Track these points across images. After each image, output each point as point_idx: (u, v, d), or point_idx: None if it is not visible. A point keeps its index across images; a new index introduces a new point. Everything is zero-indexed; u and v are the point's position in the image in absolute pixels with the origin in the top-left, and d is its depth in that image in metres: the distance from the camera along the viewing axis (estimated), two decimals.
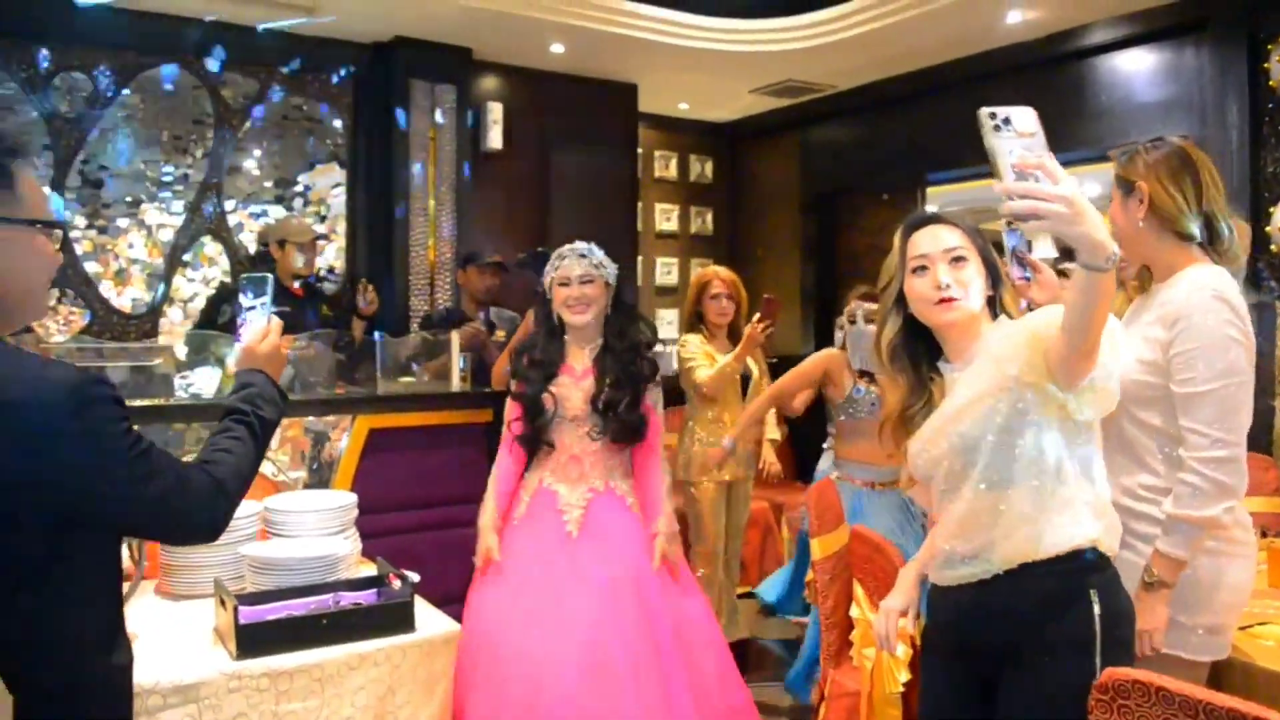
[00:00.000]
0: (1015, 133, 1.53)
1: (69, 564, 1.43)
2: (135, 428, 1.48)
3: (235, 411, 1.76)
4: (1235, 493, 2.09)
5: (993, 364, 1.85)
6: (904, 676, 2.57)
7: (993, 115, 1.54)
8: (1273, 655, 2.23)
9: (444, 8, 5.22)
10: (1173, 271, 2.22)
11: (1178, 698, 1.46)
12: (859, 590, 2.88)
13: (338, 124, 5.89)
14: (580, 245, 3.23)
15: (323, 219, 5.86)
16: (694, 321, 4.59)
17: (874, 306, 3.32)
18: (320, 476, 4.02)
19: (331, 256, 5.90)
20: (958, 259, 1.94)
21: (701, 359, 4.41)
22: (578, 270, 3.18)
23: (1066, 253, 3.98)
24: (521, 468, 3.30)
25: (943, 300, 1.91)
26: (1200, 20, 4.99)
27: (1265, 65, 4.64)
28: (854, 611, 2.91)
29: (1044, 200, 1.48)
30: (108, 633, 1.53)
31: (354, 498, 3.01)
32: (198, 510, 1.56)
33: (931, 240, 1.96)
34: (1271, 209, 4.57)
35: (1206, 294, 2.13)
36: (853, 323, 4.06)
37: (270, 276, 2.02)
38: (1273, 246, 4.54)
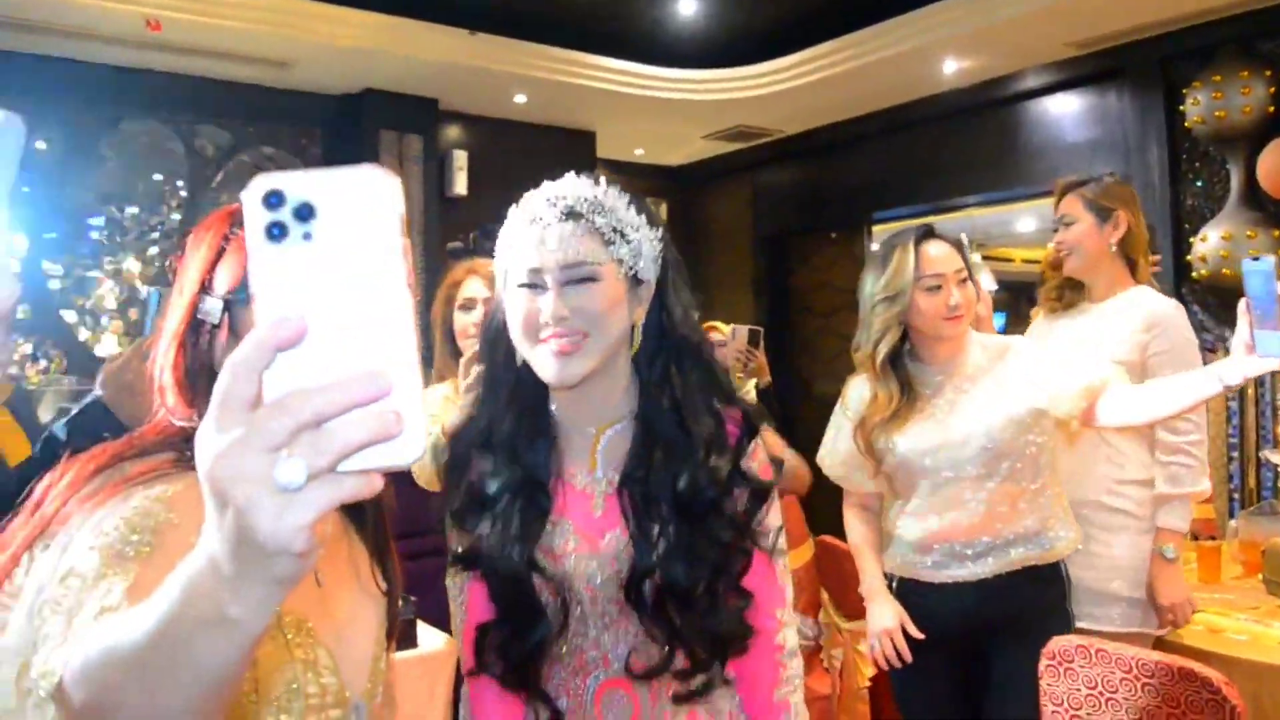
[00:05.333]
0: None
1: None
2: None
3: None
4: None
5: (1029, 386, 2.13)
6: (870, 672, 2.79)
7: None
8: (1200, 637, 2.49)
9: (412, 62, 5.44)
10: (1114, 289, 2.58)
11: (1114, 656, 1.70)
12: (825, 597, 3.10)
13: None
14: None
15: None
16: None
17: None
18: None
19: None
20: (963, 280, 2.20)
21: None
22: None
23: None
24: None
25: (952, 317, 2.17)
26: (1120, 67, 5.36)
27: (1181, 108, 5.00)
28: (822, 618, 3.13)
29: None
30: None
31: None
32: None
33: (946, 261, 2.20)
34: (1192, 239, 4.90)
35: (1170, 306, 2.53)
36: None
37: None
38: (1193, 274, 4.86)
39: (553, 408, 1.44)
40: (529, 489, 1.39)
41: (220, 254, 1.16)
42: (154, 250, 5.63)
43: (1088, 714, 1.70)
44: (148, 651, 0.67)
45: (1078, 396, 2.07)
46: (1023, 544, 2.14)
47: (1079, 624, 2.23)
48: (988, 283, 4.71)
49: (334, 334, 0.58)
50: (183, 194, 5.69)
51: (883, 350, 2.22)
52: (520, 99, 6.20)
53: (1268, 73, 4.73)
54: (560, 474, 1.42)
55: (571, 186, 1.39)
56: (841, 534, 4.27)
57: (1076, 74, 5.60)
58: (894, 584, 2.30)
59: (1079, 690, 1.74)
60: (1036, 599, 2.14)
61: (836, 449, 2.39)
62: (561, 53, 5.79)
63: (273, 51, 5.23)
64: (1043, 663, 1.81)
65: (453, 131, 6.43)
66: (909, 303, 2.19)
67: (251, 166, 5.88)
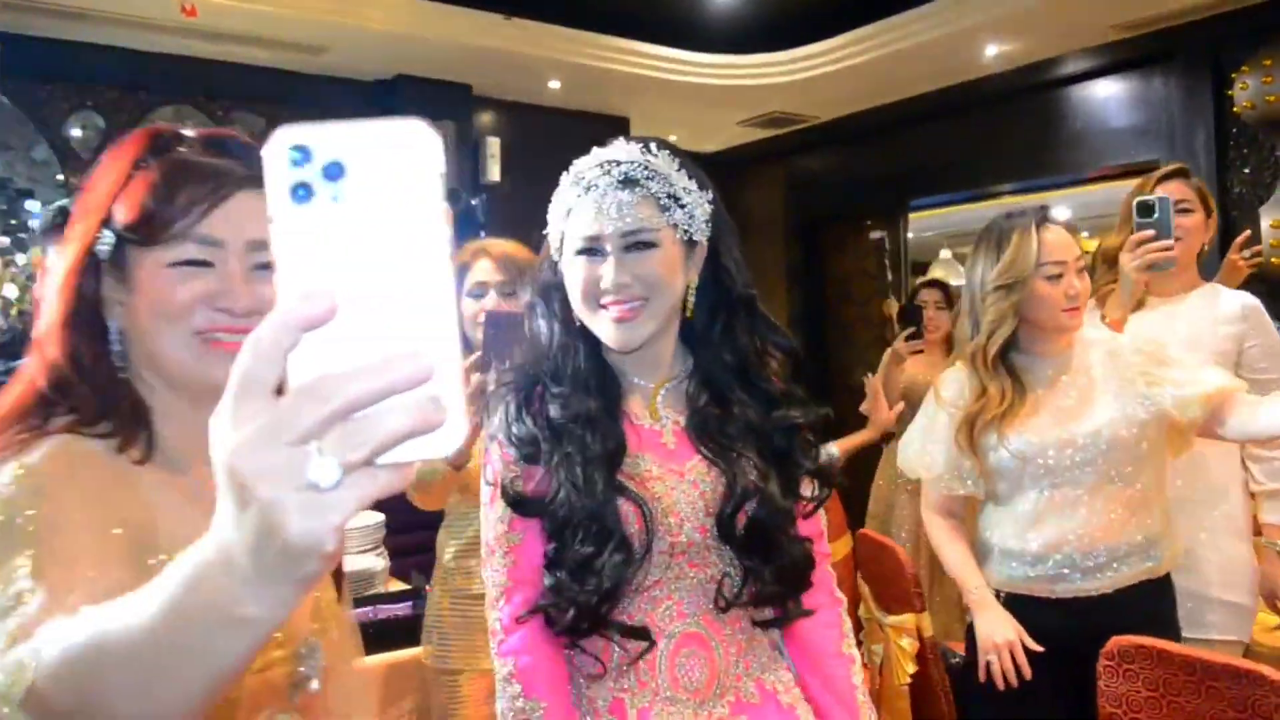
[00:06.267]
0: None
1: None
2: None
3: None
4: None
5: (1151, 387, 2.02)
6: (911, 669, 2.73)
7: None
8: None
9: (445, 46, 5.40)
10: (1192, 285, 2.53)
11: (1177, 658, 1.64)
12: (865, 590, 3.04)
13: None
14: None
15: None
16: None
17: None
18: None
19: None
20: (1082, 268, 2.06)
21: None
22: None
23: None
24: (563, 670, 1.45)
25: (1072, 309, 2.03)
26: (1167, 51, 5.25)
27: (1230, 93, 4.89)
28: (862, 612, 3.08)
29: None
30: None
31: (381, 517, 3.15)
32: None
33: (1066, 247, 2.04)
34: (1245, 227, 4.80)
35: (1254, 300, 2.46)
36: None
37: None
38: None
39: (609, 360, 1.47)
40: (605, 418, 1.39)
41: (127, 181, 1.04)
42: None
43: (1149, 716, 1.65)
44: (146, 648, 0.61)
45: (1198, 404, 1.96)
46: (1139, 555, 2.00)
47: (1184, 634, 2.12)
48: (959, 279, 4.69)
49: (367, 310, 0.52)
50: None
51: (997, 342, 2.05)
52: (554, 85, 6.15)
53: None
54: (626, 416, 1.44)
55: (624, 152, 1.41)
56: (877, 526, 4.26)
57: (1122, 58, 5.48)
58: (1001, 598, 2.10)
59: (1139, 691, 1.69)
60: (1153, 614, 2.00)
61: (928, 449, 2.20)
62: (596, 38, 5.73)
63: (306, 36, 5.20)
64: (1102, 662, 1.75)
65: (486, 118, 6.39)
66: (1029, 291, 2.03)
67: None
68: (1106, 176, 5.85)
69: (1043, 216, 2.07)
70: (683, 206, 1.40)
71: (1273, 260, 4.52)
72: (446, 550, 2.40)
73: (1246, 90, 4.76)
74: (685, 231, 1.41)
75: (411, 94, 5.93)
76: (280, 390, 0.53)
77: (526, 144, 6.42)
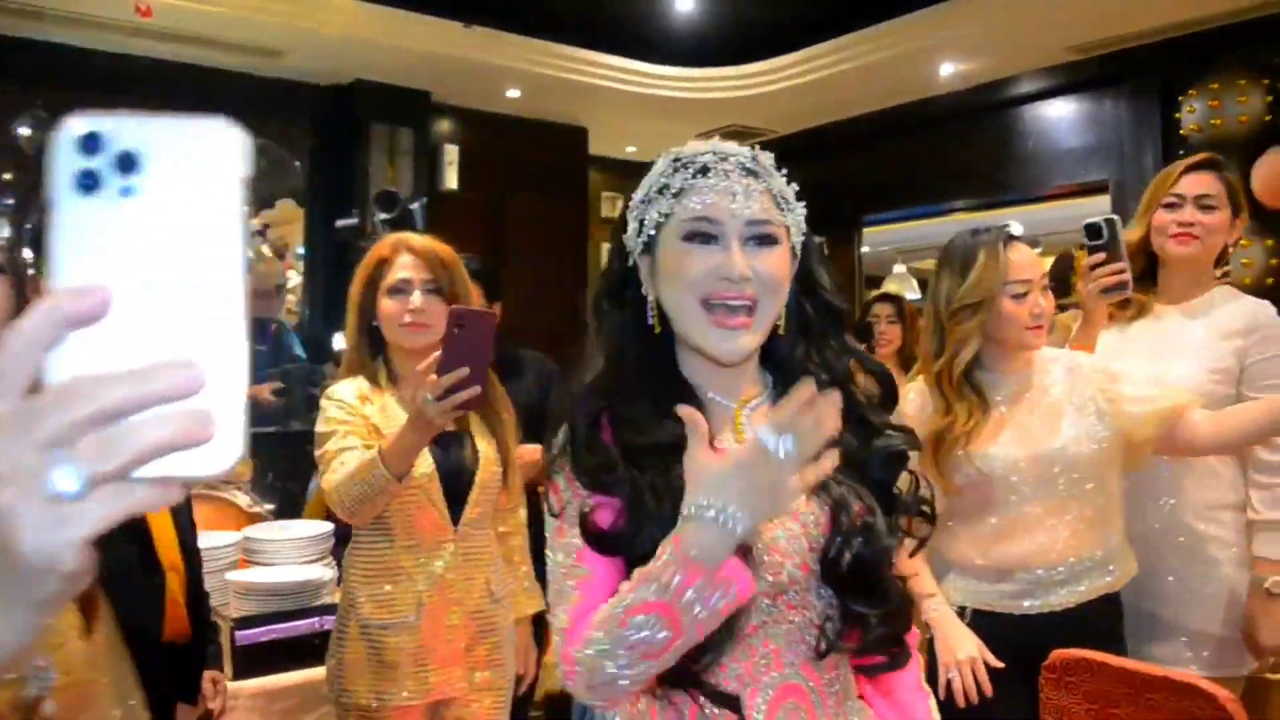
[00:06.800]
0: None
1: None
2: None
3: None
4: None
5: (1109, 404, 2.01)
6: None
7: None
8: None
9: (403, 52, 5.38)
10: (1200, 288, 2.33)
11: (1115, 670, 1.66)
12: None
13: (298, 164, 6.02)
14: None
15: (281, 256, 5.98)
16: None
17: None
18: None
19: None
20: (1046, 286, 2.05)
21: None
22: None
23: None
24: None
25: (1036, 327, 2.02)
26: (1118, 74, 5.36)
27: (1177, 115, 5.00)
28: None
29: None
30: None
31: (329, 526, 3.11)
32: None
33: (1033, 265, 2.03)
34: None
35: (1269, 307, 2.28)
36: None
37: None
38: None
39: (684, 373, 1.29)
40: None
41: None
42: None
43: None
44: None
45: (1153, 421, 1.96)
46: (1100, 571, 2.00)
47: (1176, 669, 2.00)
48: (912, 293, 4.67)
49: (147, 313, 0.48)
50: None
51: (964, 360, 2.02)
52: (513, 93, 6.15)
53: (1265, 82, 4.74)
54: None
55: (729, 147, 1.27)
56: None
57: (1075, 79, 5.59)
58: (965, 616, 2.05)
59: (1078, 704, 1.71)
60: (1110, 630, 2.00)
61: None
62: (555, 47, 5.74)
63: (262, 39, 5.17)
64: (1043, 675, 1.77)
65: (444, 125, 6.37)
66: (995, 310, 2.00)
67: None
68: (1058, 195, 5.96)
69: (1008, 235, 2.06)
70: (792, 211, 1.27)
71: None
72: (352, 574, 2.19)
73: (1194, 114, 4.88)
74: (794, 236, 1.27)
75: (369, 99, 5.91)
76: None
77: (485, 152, 6.42)
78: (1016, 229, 2.13)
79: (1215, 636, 2.22)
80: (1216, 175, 2.32)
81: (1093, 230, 2.23)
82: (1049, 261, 7.49)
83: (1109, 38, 5.13)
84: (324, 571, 2.93)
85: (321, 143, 6.03)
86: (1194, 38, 4.98)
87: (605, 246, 7.31)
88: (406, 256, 2.18)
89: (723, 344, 1.19)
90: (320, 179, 6.03)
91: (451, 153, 6.25)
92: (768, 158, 1.28)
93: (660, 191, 1.25)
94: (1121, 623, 2.07)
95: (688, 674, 1.16)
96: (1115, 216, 2.24)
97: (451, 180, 6.22)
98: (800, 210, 1.28)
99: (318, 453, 2.12)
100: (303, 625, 2.58)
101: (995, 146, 5.97)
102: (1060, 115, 5.74)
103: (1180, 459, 2.22)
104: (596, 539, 1.18)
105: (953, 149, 6.17)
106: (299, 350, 5.22)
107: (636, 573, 1.09)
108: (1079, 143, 5.63)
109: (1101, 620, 2.01)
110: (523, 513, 2.50)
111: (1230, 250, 2.43)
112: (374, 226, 2.86)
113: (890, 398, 1.33)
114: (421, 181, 6.08)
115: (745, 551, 1.11)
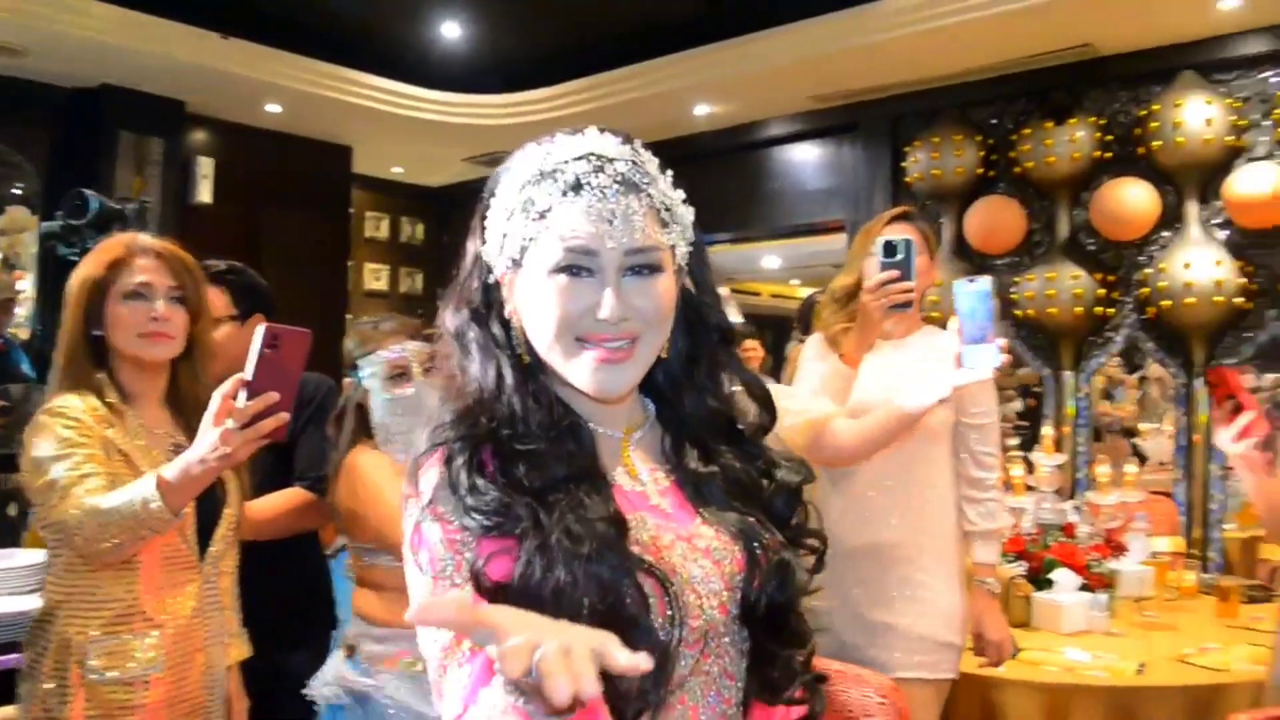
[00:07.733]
0: None
1: None
2: None
3: None
4: None
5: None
6: None
7: None
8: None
9: (155, 59, 5.19)
10: (916, 327, 2.56)
11: None
12: None
13: (32, 169, 5.67)
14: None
15: (12, 267, 5.61)
16: None
17: None
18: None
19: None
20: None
21: None
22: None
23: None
24: None
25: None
26: (853, 122, 5.81)
27: (904, 164, 5.47)
28: None
29: None
30: None
31: (43, 556, 2.98)
32: None
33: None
34: None
35: None
36: None
37: None
38: None
39: (571, 405, 1.12)
40: (592, 477, 1.05)
41: None
42: None
43: None
44: None
45: (801, 432, 2.17)
46: None
47: (900, 674, 2.18)
48: (734, 315, 4.95)
49: None
50: None
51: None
52: (273, 108, 6.02)
53: (979, 138, 5.25)
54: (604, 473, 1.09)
55: (610, 146, 1.08)
56: None
57: (816, 126, 6.01)
58: None
59: None
60: None
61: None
62: (317, 64, 5.67)
63: (4, 36, 4.88)
64: None
65: (199, 136, 6.17)
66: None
67: None
68: (800, 231, 6.37)
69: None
70: (678, 223, 1.11)
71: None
72: (71, 615, 1.86)
73: (917, 164, 5.35)
74: (678, 254, 1.11)
75: (117, 105, 5.66)
76: None
77: (242, 166, 6.25)
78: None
79: (946, 643, 2.39)
80: (914, 225, 2.50)
81: (889, 248, 2.29)
82: (805, 292, 7.95)
83: (845, 90, 5.54)
84: (39, 602, 2.80)
85: (64, 148, 5.70)
86: (918, 95, 5.45)
87: (369, 267, 7.19)
88: (146, 260, 1.95)
89: (604, 384, 1.05)
90: (58, 186, 5.69)
91: (206, 165, 6.04)
92: (650, 160, 1.11)
93: (525, 208, 1.06)
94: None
95: None
96: (911, 238, 2.32)
97: (205, 193, 6.01)
98: (688, 215, 1.13)
99: (41, 481, 1.80)
100: (10, 660, 2.46)
101: (748, 185, 6.34)
102: (804, 159, 6.16)
103: (905, 477, 2.41)
104: (493, 593, 0.97)
105: (710, 186, 6.45)
106: (27, 368, 4.91)
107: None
108: (820, 184, 6.05)
109: None
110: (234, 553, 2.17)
111: (926, 292, 2.64)
112: (80, 234, 2.56)
113: (771, 420, 1.22)
114: (172, 193, 5.85)
115: (665, 588, 1.01)
